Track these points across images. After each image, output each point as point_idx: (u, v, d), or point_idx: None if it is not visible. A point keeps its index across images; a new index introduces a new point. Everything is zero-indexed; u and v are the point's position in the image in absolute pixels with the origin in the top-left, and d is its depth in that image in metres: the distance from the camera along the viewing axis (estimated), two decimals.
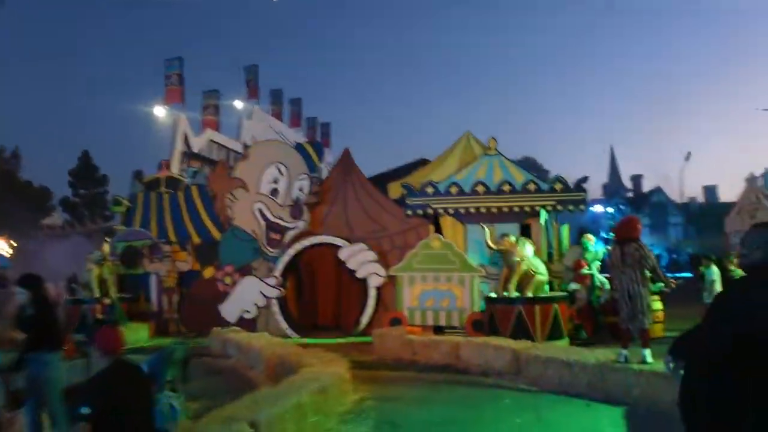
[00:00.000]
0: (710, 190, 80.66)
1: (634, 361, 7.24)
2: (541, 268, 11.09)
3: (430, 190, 12.67)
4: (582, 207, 12.39)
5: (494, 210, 12.32)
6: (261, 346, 9.47)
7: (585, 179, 12.41)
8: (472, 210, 12.41)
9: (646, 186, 72.79)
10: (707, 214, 70.45)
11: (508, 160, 12.83)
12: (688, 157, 55.43)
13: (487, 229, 11.22)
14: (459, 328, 12.06)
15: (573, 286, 11.77)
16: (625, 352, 7.39)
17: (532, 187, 12.31)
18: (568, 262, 11.92)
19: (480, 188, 12.41)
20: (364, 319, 12.73)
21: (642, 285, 7.44)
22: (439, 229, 12.86)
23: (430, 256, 12.27)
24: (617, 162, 77.71)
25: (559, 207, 12.25)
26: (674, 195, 66.94)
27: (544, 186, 12.32)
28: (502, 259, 11.24)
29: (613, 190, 69.08)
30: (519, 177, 12.52)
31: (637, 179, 74.95)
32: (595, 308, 11.61)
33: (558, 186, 12.27)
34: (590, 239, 13.10)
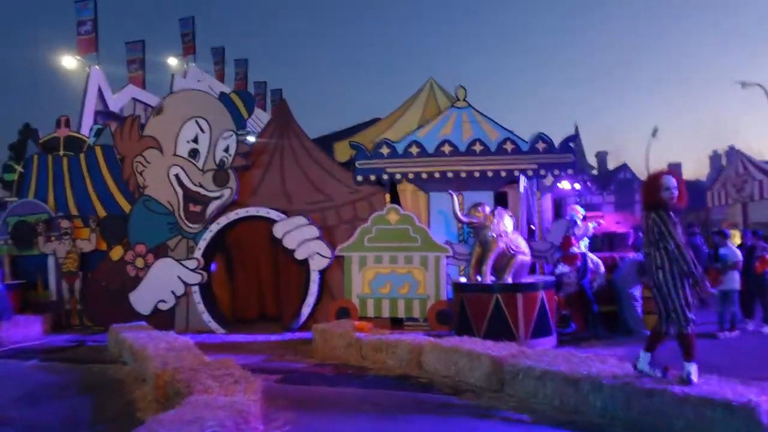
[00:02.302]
0: (675, 168, 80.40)
1: (672, 379, 5.05)
2: (523, 246, 8.85)
3: (385, 150, 10.28)
4: (570, 171, 10.18)
5: (463, 175, 10.02)
6: (155, 353, 7.01)
7: (574, 137, 10.19)
8: (437, 175, 10.08)
9: (611, 163, 71.72)
10: None
11: (481, 114, 10.49)
12: (654, 133, 54.20)
13: (455, 198, 8.90)
14: (421, 321, 9.84)
15: (560, 268, 9.58)
16: (645, 357, 5.23)
17: (509, 146, 10.04)
18: (553, 239, 9.69)
19: (446, 148, 10.09)
20: (305, 311, 10.33)
21: (671, 272, 5.21)
22: (396, 199, 10.50)
23: (386, 232, 9.97)
24: (581, 138, 76.46)
25: (542, 171, 10.03)
26: (640, 172, 66.00)
27: (524, 146, 10.06)
28: (474, 235, 8.98)
29: (578, 167, 67.80)
30: (493, 134, 10.22)
31: (602, 156, 73.82)
32: (587, 295, 9.44)
33: (541, 146, 10.03)
34: (579, 212, 10.96)
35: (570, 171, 10.13)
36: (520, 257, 8.64)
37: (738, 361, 7.52)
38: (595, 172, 72.70)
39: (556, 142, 10.08)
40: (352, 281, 10.03)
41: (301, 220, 10.34)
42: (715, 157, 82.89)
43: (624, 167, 67.80)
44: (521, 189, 10.22)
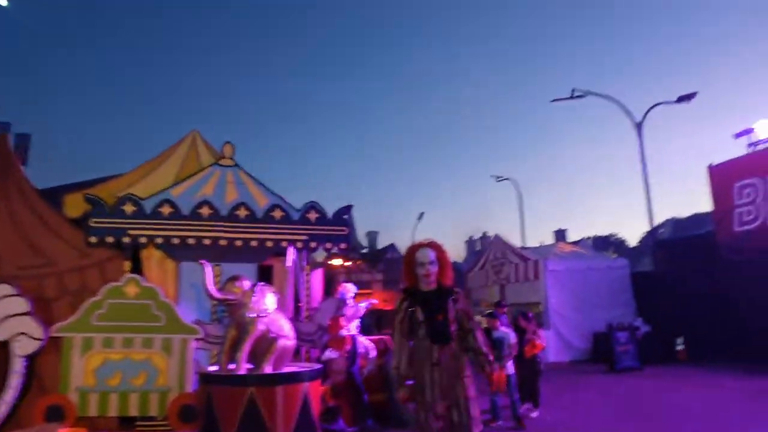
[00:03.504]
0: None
1: None
2: (286, 328, 7.60)
3: (129, 208, 8.51)
4: (343, 245, 9.31)
5: (223, 243, 8.63)
6: None
7: (348, 209, 9.40)
8: (191, 241, 8.55)
9: (381, 243, 74.92)
10: None
11: (249, 175, 9.30)
12: (420, 217, 57.84)
13: (209, 269, 7.42)
14: (159, 419, 7.98)
15: (328, 353, 8.49)
16: None
17: (278, 214, 8.93)
18: (322, 320, 8.62)
19: (205, 211, 8.65)
20: (2, 410, 7.86)
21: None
22: (138, 268, 8.69)
23: (122, 307, 8.08)
24: (354, 218, 79.09)
25: (313, 244, 9.03)
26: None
27: (295, 215, 9.03)
28: (230, 314, 7.53)
29: (352, 242, 69.51)
30: (261, 200, 9.06)
31: (372, 235, 76.94)
32: (356, 384, 8.44)
33: (313, 216, 9.08)
34: (350, 290, 10.11)
35: (343, 245, 9.27)
36: (282, 341, 7.35)
37: None
38: (365, 250, 75.29)
39: (330, 213, 9.23)
40: (70, 370, 7.86)
41: (5, 289, 8.00)
42: (470, 242, 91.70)
43: (392, 247, 71.26)
44: (289, 263, 9.07)
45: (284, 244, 8.87)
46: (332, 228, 9.10)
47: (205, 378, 7.18)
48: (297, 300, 9.64)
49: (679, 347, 15.97)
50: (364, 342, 8.86)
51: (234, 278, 7.43)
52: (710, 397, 10.51)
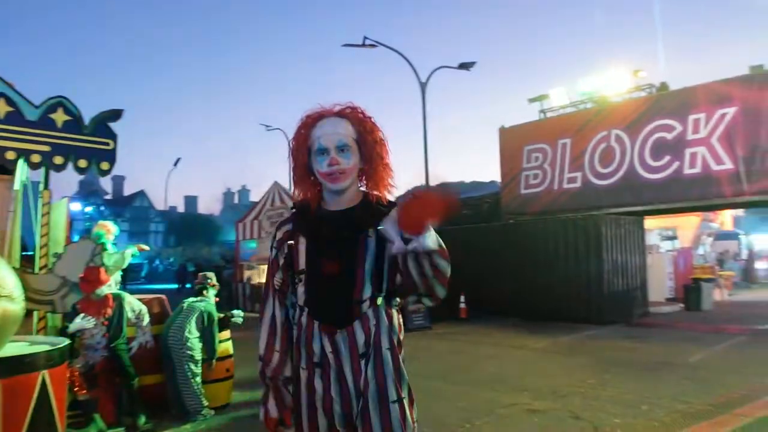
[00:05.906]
0: (190, 201, 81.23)
1: None
2: (10, 284, 4.72)
3: None
4: (106, 166, 6.47)
5: None
6: None
7: (116, 115, 6.56)
8: None
9: (128, 189, 67.88)
10: (188, 223, 69.71)
11: None
12: (176, 163, 53.28)
13: None
14: None
15: (79, 322, 5.73)
16: None
17: (2, 109, 5.80)
18: (69, 271, 5.79)
19: None
20: None
21: None
22: None
23: None
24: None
25: (57, 159, 6.09)
26: (157, 202, 63.72)
27: (32, 113, 5.98)
28: None
29: (91, 188, 61.55)
30: None
31: (118, 180, 69.64)
32: (122, 364, 5.86)
33: (61, 118, 6.13)
34: (109, 229, 7.36)
35: (106, 165, 6.43)
36: (2, 305, 4.51)
37: None
38: (109, 196, 67.41)
39: (88, 118, 6.33)
40: None
41: None
42: (228, 195, 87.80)
43: (141, 194, 64.68)
44: (17, 185, 6.02)
45: (10, 155, 5.79)
46: (90, 139, 6.24)
47: None
48: (27, 241, 6.61)
49: (461, 305, 15.67)
50: (134, 303, 6.22)
51: None
52: (509, 356, 10.14)
